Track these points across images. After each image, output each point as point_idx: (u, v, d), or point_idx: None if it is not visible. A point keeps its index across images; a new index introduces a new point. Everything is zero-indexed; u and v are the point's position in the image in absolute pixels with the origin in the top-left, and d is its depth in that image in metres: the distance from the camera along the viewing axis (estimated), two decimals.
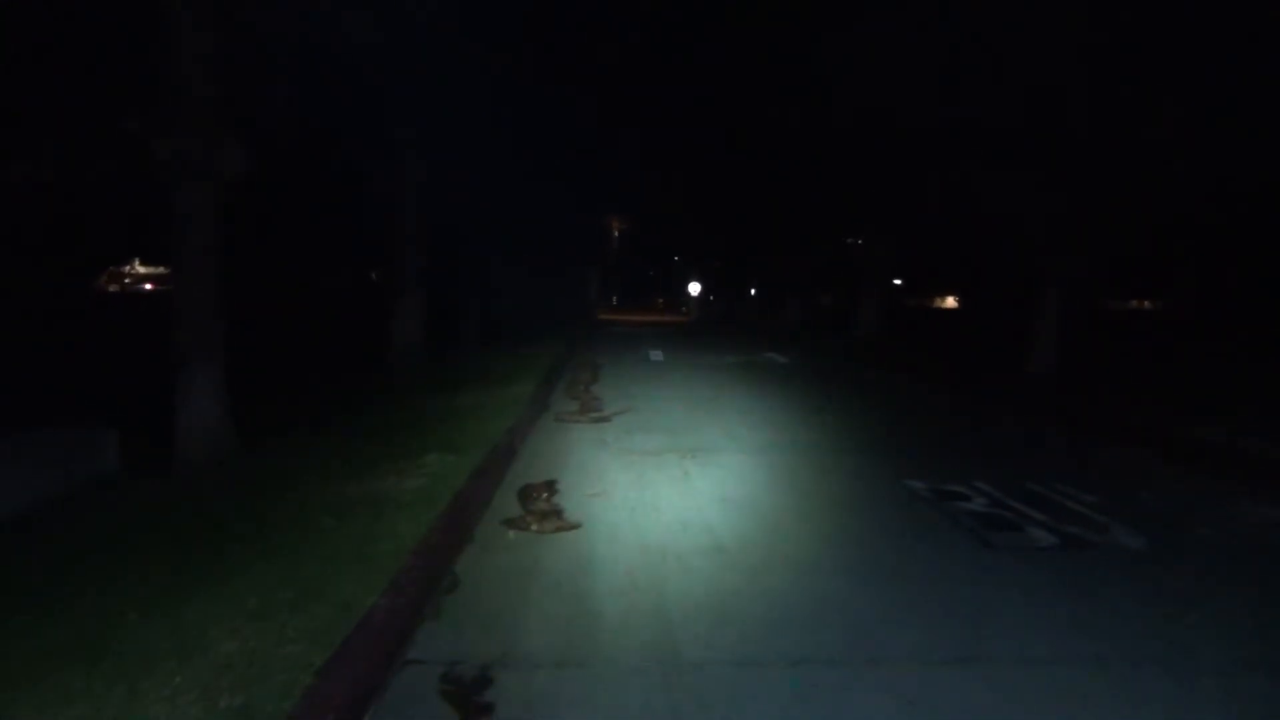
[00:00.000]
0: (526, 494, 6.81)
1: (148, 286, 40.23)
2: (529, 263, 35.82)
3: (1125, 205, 14.65)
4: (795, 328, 33.12)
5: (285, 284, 24.27)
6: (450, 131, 17.86)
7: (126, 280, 40.82)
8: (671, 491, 7.02)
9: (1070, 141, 14.23)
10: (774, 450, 8.75)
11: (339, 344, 19.24)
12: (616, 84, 28.65)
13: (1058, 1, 13.24)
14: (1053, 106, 13.92)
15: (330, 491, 6.19)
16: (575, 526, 5.93)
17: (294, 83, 10.78)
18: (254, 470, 7.10)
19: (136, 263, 38.65)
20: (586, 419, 10.45)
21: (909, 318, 36.62)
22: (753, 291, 47.78)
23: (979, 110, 15.11)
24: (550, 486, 7.08)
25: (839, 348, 23.40)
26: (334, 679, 3.36)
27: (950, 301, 52.01)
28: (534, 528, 5.90)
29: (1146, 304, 38.46)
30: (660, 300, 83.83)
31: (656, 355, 20.78)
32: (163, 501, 6.08)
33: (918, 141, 18.85)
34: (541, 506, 6.44)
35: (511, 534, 5.76)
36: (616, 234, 68.20)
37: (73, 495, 6.61)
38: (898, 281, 42.48)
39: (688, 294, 58.35)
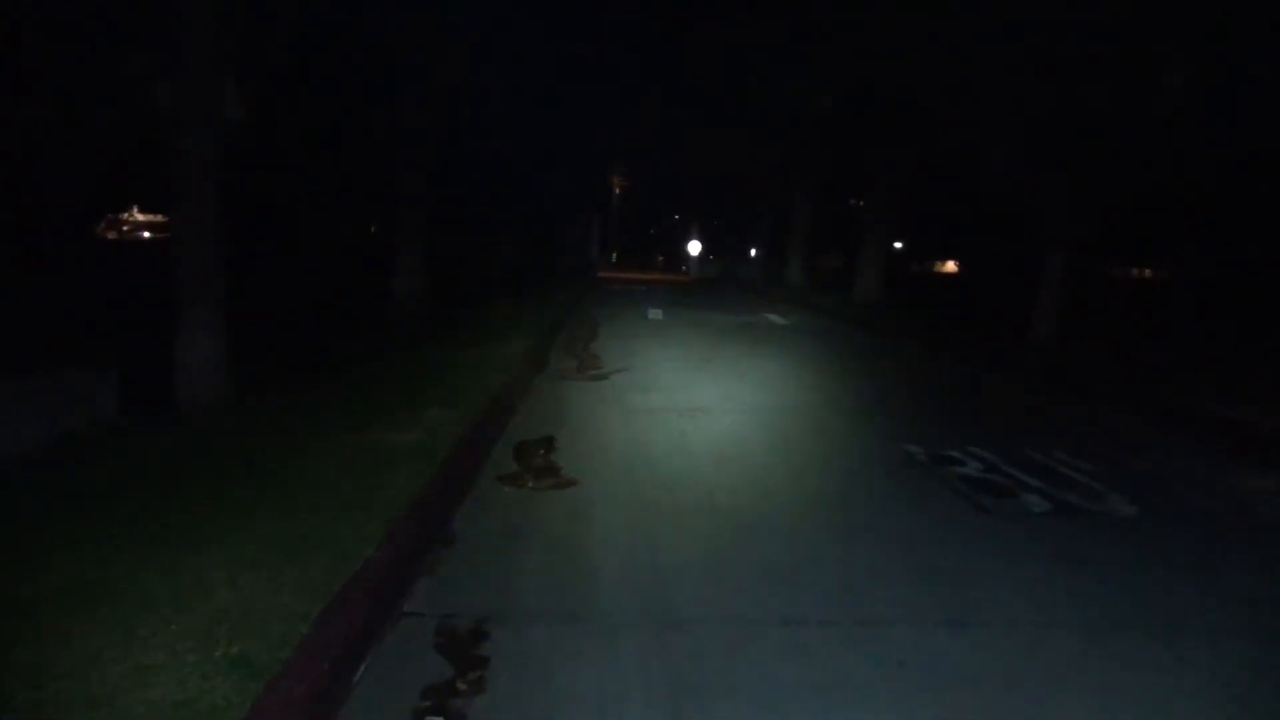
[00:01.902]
0: (523, 450, 6.82)
1: (146, 234, 40.03)
2: (531, 217, 35.55)
3: (1129, 171, 14.55)
4: (796, 289, 32.69)
5: (282, 233, 24.11)
6: (453, 73, 17.65)
7: (125, 228, 40.58)
8: (668, 450, 7.04)
9: (1075, 106, 14.08)
10: (771, 411, 8.78)
11: (338, 296, 19.15)
12: (622, 32, 28.43)
13: None
14: (1057, 70, 13.74)
15: (329, 443, 6.20)
16: (572, 483, 5.95)
17: (294, 22, 10.63)
18: (252, 420, 7.10)
19: (135, 209, 38.39)
20: (585, 377, 10.46)
21: (910, 281, 36.28)
22: (753, 252, 46.99)
23: (984, 73, 14.94)
24: (548, 443, 7.10)
25: (839, 310, 23.23)
26: (330, 630, 3.38)
27: (951, 266, 51.78)
28: (530, 484, 5.92)
29: (1148, 273, 38.36)
30: (660, 259, 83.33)
31: (655, 314, 20.77)
32: (159, 448, 6.08)
33: (922, 102, 18.67)
34: (538, 463, 6.46)
35: (508, 490, 5.78)
36: (618, 191, 67.40)
37: (70, 440, 6.61)
38: (899, 245, 41.94)
39: (687, 253, 57.25)
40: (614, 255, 75.79)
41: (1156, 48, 12.85)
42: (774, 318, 21.03)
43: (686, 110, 32.90)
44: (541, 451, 6.84)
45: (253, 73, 8.22)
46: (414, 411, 7.42)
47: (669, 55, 30.73)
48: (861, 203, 31.55)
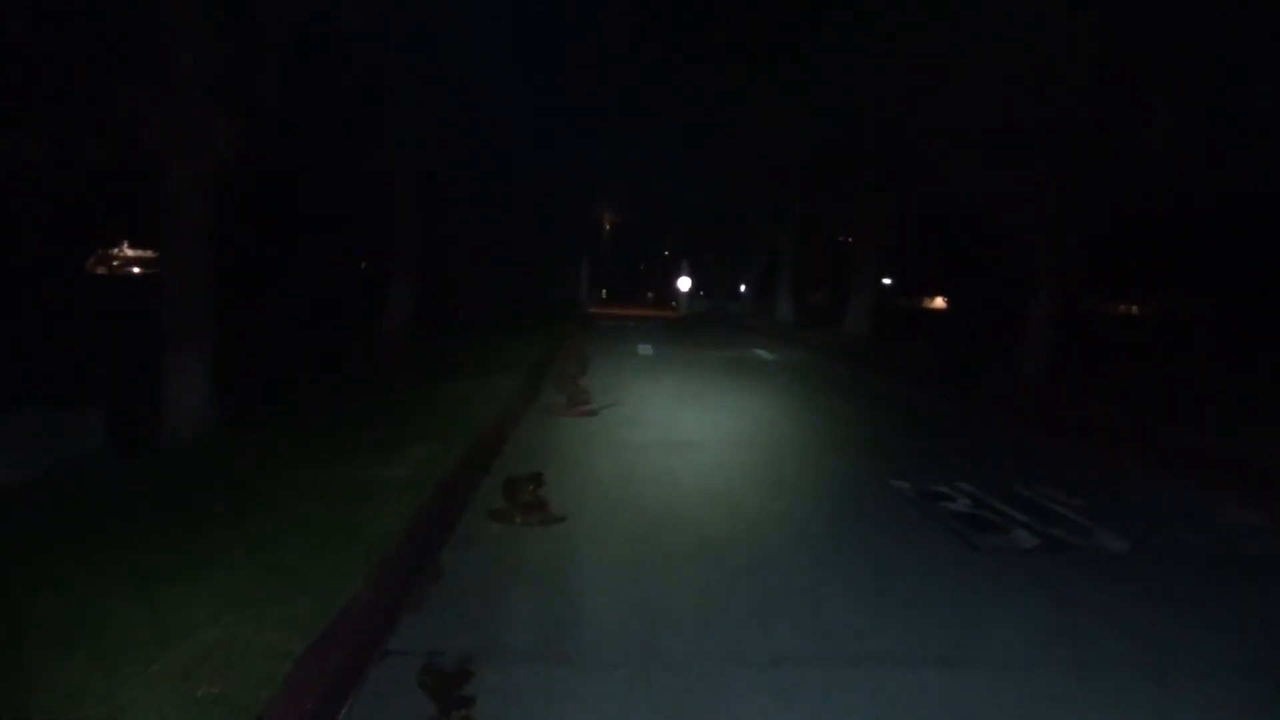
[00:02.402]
0: (512, 486, 6.79)
1: (136, 270, 39.96)
2: (521, 253, 35.64)
3: (1115, 207, 14.72)
4: (785, 325, 32.83)
5: (275, 266, 24.14)
6: (448, 112, 17.83)
7: (115, 263, 40.52)
8: (657, 485, 7.02)
9: (1063, 140, 14.25)
10: (760, 447, 8.77)
11: (328, 329, 19.16)
12: (614, 74, 28.76)
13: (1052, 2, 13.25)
14: (1044, 104, 13.92)
15: (315, 478, 6.16)
16: (560, 519, 5.92)
17: (287, 60, 10.70)
18: (239, 455, 7.06)
19: (125, 245, 38.37)
20: (575, 411, 10.44)
21: (899, 317, 36.59)
22: (742, 288, 47.07)
23: (971, 106, 15.11)
24: (536, 479, 7.06)
25: (828, 345, 23.33)
26: (313, 668, 3.34)
27: (939, 302, 52.05)
28: (519, 520, 5.88)
29: (1135, 309, 38.61)
30: (650, 295, 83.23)
31: (645, 349, 20.83)
32: (145, 484, 6.03)
33: (909, 137, 18.88)
34: (527, 499, 6.42)
35: (496, 526, 5.75)
36: (608, 228, 67.84)
37: (55, 476, 6.56)
38: (887, 281, 42.28)
39: (677, 289, 57.23)
40: (604, 292, 76.11)
41: (1143, 85, 13.02)
42: (763, 353, 21.07)
43: (676, 146, 33.25)
44: (530, 487, 6.80)
45: (243, 108, 8.23)
46: (402, 446, 7.38)
47: (660, 91, 31.06)
48: (850, 239, 31.79)
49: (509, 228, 30.43)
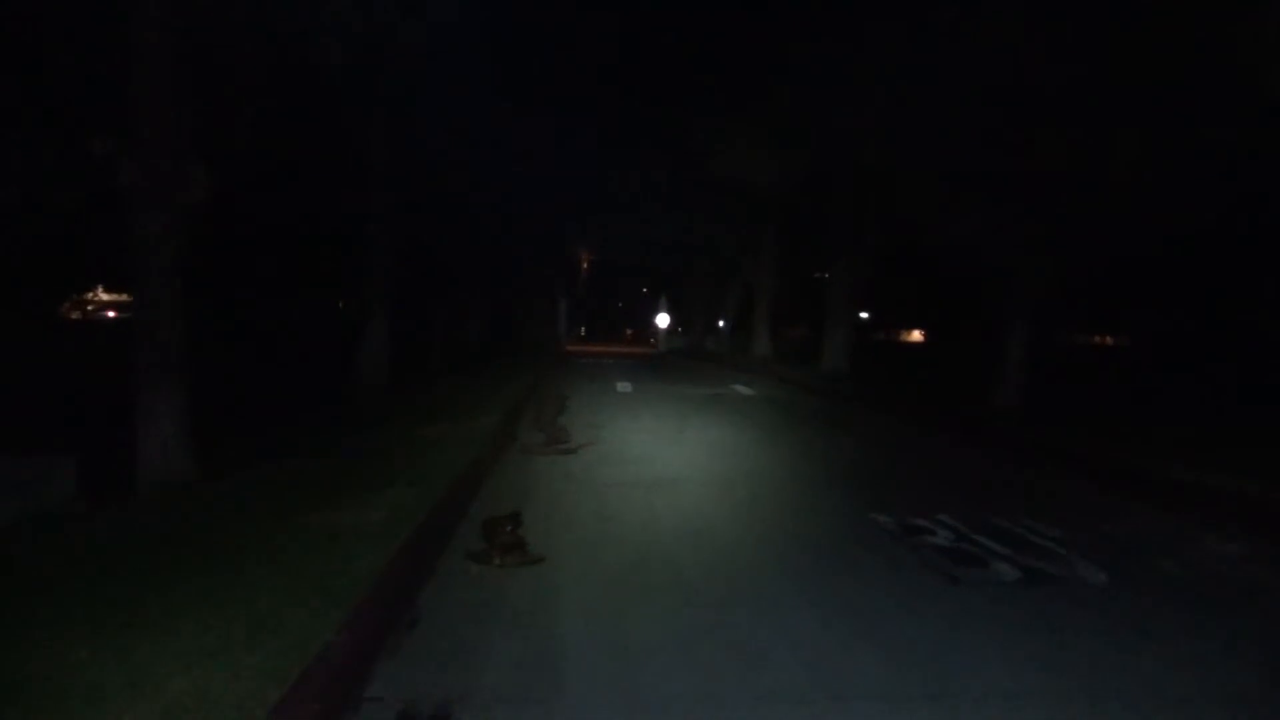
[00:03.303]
0: (490, 527, 6.72)
1: (110, 314, 39.66)
2: (499, 292, 35.61)
3: (1087, 240, 14.89)
4: (763, 361, 32.81)
5: (250, 310, 24.00)
6: (423, 149, 17.88)
7: (89, 307, 40.22)
8: (637, 524, 6.99)
9: (1032, 181, 14.46)
10: (740, 484, 8.75)
11: (303, 371, 19.02)
12: (589, 110, 28.86)
13: (1023, 32, 13.48)
14: (1011, 147, 14.15)
15: (291, 523, 6.09)
16: (539, 560, 5.87)
17: (262, 102, 10.73)
18: (214, 500, 6.98)
19: (100, 289, 38.07)
20: (553, 451, 10.41)
21: (876, 350, 36.86)
22: (720, 324, 47.18)
23: (940, 147, 15.33)
24: (514, 519, 6.99)
25: (806, 381, 23.37)
26: (289, 718, 3.28)
27: (916, 335, 52.26)
28: (497, 562, 5.83)
29: (1109, 339, 39.03)
30: (629, 332, 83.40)
31: (624, 387, 20.84)
32: (117, 532, 5.95)
33: (881, 175, 19.13)
34: (505, 540, 6.36)
35: (474, 568, 5.69)
36: (586, 265, 67.78)
37: (28, 524, 6.45)
38: (864, 315, 42.13)
39: (655, 326, 56.90)
40: (582, 329, 76.72)
41: (1109, 121, 13.26)
42: (741, 389, 21.09)
43: (653, 183, 33.08)
44: (508, 528, 6.73)
45: (218, 152, 8.25)
46: (379, 489, 7.33)
47: (636, 129, 31.13)
48: (826, 275, 31.81)
49: (486, 266, 30.41)
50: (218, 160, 8.07)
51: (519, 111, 22.85)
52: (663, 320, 55.26)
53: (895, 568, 5.90)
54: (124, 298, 35.67)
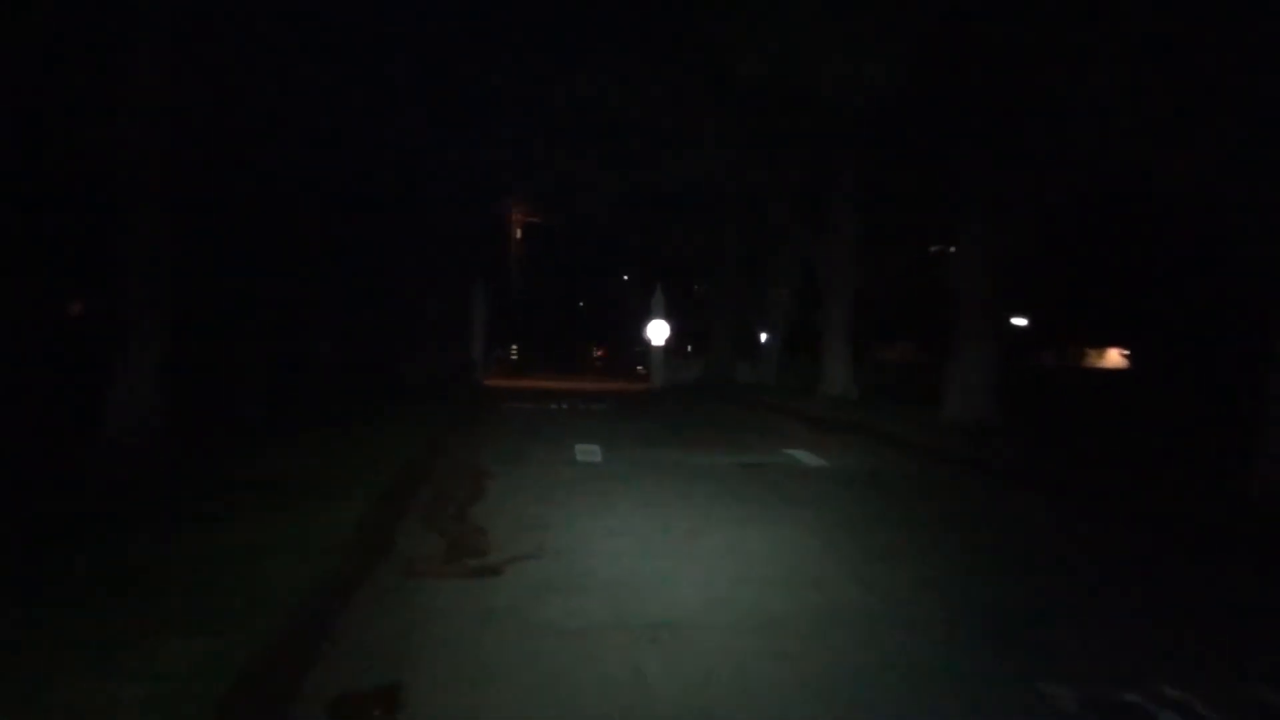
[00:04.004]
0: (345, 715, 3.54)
1: None
2: (366, 288, 23.24)
3: None
4: (843, 401, 21.42)
5: None
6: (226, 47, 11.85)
7: None
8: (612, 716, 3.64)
9: None
10: (804, 632, 5.13)
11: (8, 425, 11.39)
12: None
13: None
14: None
15: None
16: None
17: None
18: None
19: None
20: (461, 570, 6.53)
21: (1043, 382, 24.51)
22: (763, 338, 31.23)
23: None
24: (388, 699, 3.77)
25: (920, 438, 14.97)
26: None
27: (1114, 357, 31.78)
28: None
29: None
30: (599, 354, 55.97)
31: (589, 453, 13.03)
32: None
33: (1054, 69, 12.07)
34: None
35: None
36: (519, 235, 46.58)
37: None
38: (1020, 322, 25.96)
39: (647, 342, 36.06)
40: (514, 349, 52.48)
41: None
42: (803, 455, 13.21)
43: (638, 98, 20.98)
44: (377, 713, 3.79)
45: None
46: (139, 643, 4.07)
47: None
48: (952, 249, 19.87)
49: (344, 247, 20.18)
50: None
51: None
52: (658, 332, 34.45)
53: None
54: None
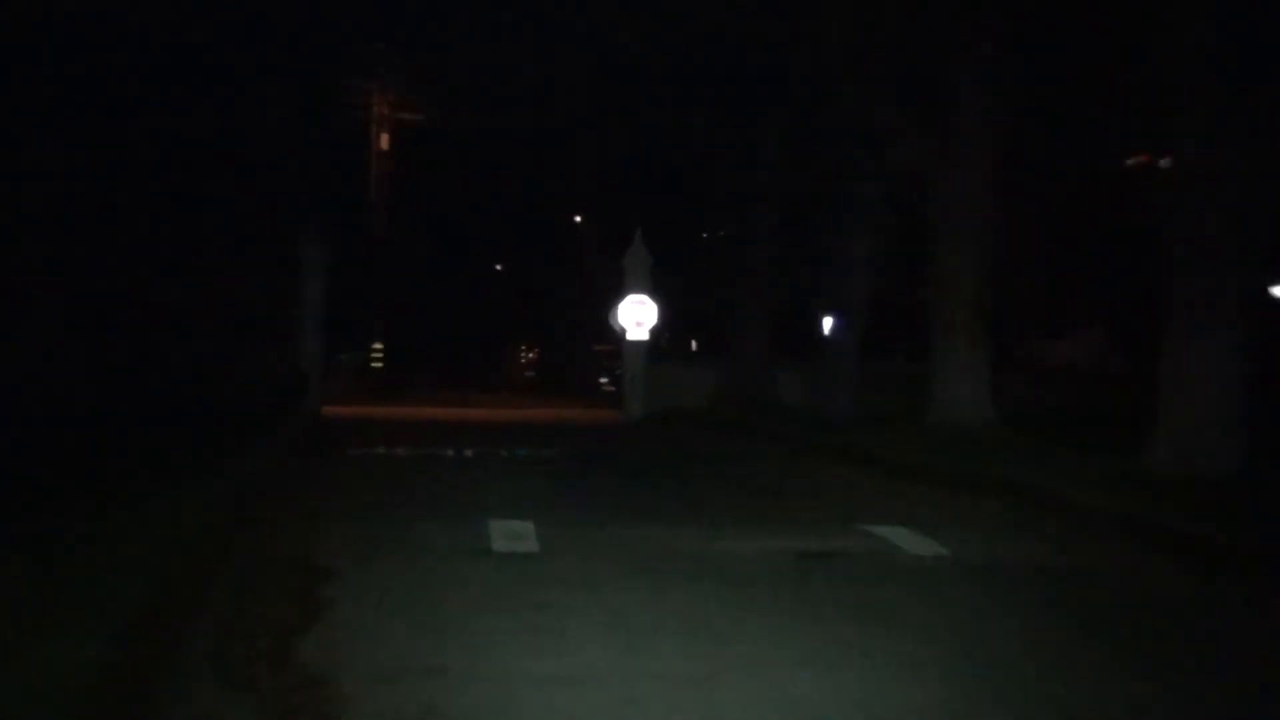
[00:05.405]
0: None
1: None
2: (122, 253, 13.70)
3: None
4: (970, 434, 12.32)
5: None
6: None
7: None
8: None
9: None
10: None
11: None
12: None
13: None
14: None
15: None
16: None
17: None
18: None
19: None
20: None
21: None
22: (827, 325, 17.49)
23: None
24: None
25: (1120, 504, 7.73)
26: None
27: None
28: None
29: None
30: (527, 356, 38.18)
31: (515, 534, 6.52)
32: None
33: None
34: None
35: None
36: (386, 143, 27.50)
37: None
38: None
39: (616, 334, 21.72)
40: (377, 345, 32.09)
41: None
42: (903, 535, 6.87)
43: None
44: None
45: None
46: None
47: None
48: (1155, 163, 13.06)
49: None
50: None
51: None
52: (634, 315, 20.55)
53: None
54: None
